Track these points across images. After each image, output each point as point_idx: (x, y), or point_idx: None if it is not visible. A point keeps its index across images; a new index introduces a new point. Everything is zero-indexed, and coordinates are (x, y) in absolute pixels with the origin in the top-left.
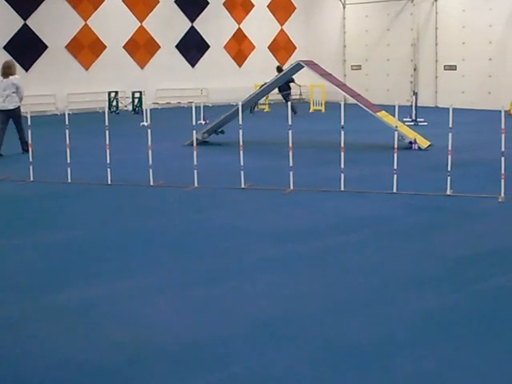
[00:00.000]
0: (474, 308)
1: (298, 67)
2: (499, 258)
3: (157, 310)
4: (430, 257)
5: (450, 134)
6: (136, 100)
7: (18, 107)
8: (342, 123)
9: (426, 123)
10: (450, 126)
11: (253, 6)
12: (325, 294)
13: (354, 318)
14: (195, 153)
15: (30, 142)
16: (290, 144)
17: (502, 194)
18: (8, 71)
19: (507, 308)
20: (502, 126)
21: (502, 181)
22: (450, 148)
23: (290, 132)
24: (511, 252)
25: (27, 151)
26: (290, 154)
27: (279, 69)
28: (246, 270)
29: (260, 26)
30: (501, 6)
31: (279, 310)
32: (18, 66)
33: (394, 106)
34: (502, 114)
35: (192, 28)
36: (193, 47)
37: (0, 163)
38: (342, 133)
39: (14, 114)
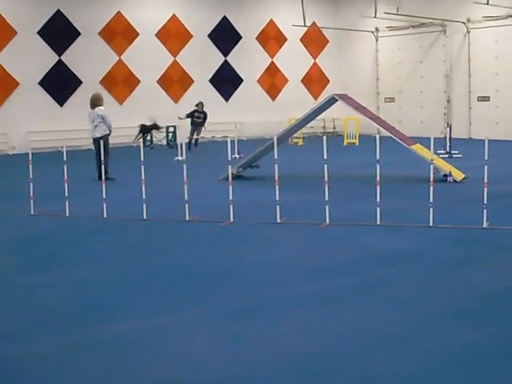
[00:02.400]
0: (508, 343)
1: (332, 101)
2: None
3: (194, 346)
4: (467, 290)
5: (486, 167)
6: (170, 134)
7: (105, 135)
8: (377, 156)
9: (460, 155)
10: (486, 158)
11: (286, 39)
12: (362, 330)
13: (393, 354)
14: (230, 187)
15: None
16: (326, 178)
17: None
18: (95, 103)
19: None
20: None
21: None
22: (485, 180)
23: (326, 166)
24: None
25: (107, 179)
26: (326, 187)
27: (198, 105)
28: (283, 304)
29: (293, 59)
30: None
31: (316, 346)
32: (53, 101)
33: (429, 139)
34: None
35: (225, 62)
36: (226, 81)
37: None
38: (378, 166)
39: (101, 142)
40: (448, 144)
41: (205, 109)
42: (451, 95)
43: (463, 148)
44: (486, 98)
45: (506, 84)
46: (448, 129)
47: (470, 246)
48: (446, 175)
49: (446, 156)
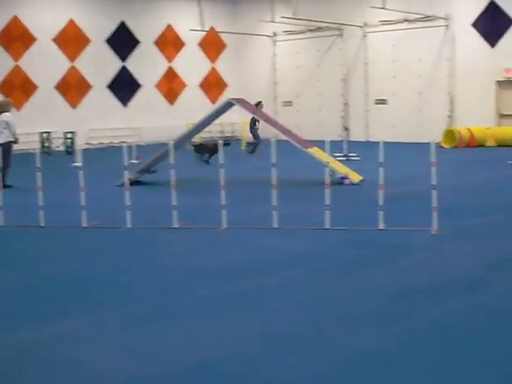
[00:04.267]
0: (407, 343)
1: (228, 105)
2: (432, 291)
3: (90, 353)
4: (364, 292)
5: (381, 169)
6: (68, 140)
7: (8, 142)
8: (273, 160)
9: (358, 158)
10: (381, 160)
11: (184, 44)
12: (262, 333)
13: (291, 356)
14: (127, 193)
15: None
16: (222, 182)
17: (435, 227)
18: (3, 109)
19: (440, 343)
20: (433, 159)
21: (434, 214)
22: (381, 182)
23: (222, 170)
24: (444, 285)
25: (4, 186)
26: (223, 192)
27: (258, 104)
28: (182, 310)
29: (191, 64)
30: (429, 41)
31: (218, 350)
32: None
33: (327, 142)
34: (433, 147)
35: (123, 67)
36: (124, 86)
37: None
38: (274, 170)
39: (3, 148)
40: (346, 147)
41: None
42: (348, 98)
43: (361, 151)
44: (383, 101)
45: (403, 87)
46: (345, 132)
47: (366, 248)
48: (343, 177)
49: (344, 159)
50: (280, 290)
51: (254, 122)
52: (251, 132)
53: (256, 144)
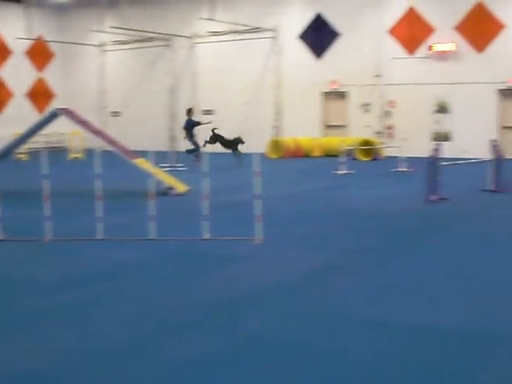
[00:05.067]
0: (229, 351)
1: (54, 115)
2: (257, 299)
3: None
4: (190, 302)
5: (206, 179)
6: None
7: None
8: (98, 171)
9: (185, 168)
10: (206, 170)
11: (10, 52)
12: (85, 346)
13: (112, 368)
14: None
15: None
16: (47, 193)
17: (259, 236)
18: None
19: (260, 350)
20: (256, 169)
21: (258, 223)
22: (205, 192)
23: (46, 181)
24: (268, 293)
25: None
26: (47, 203)
27: (189, 111)
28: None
29: (17, 73)
30: (257, 52)
31: (35, 366)
32: None
33: (153, 152)
34: (257, 157)
35: None
36: None
37: None
38: (98, 181)
39: None
40: (173, 157)
41: None
42: (176, 109)
43: (188, 161)
44: (211, 112)
45: (230, 98)
46: (171, 142)
47: (191, 258)
48: (168, 188)
49: (171, 169)
50: (103, 301)
51: (190, 129)
52: (189, 140)
53: (197, 150)
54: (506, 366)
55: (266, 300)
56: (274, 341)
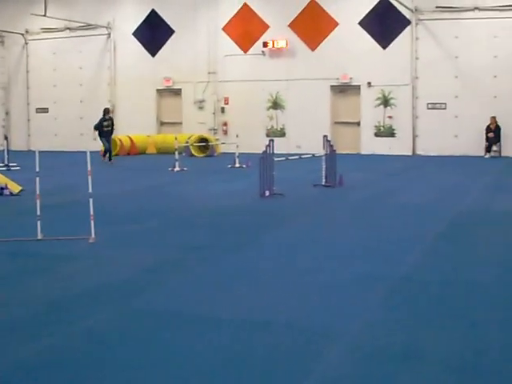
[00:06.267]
0: (63, 352)
1: None
2: (90, 299)
3: None
4: (20, 304)
5: (38, 178)
6: None
7: None
8: None
9: (18, 167)
10: (38, 169)
11: None
12: None
13: None
14: None
15: None
16: None
17: (92, 235)
18: None
19: (98, 349)
20: (89, 168)
21: (92, 222)
22: (38, 192)
23: None
24: (101, 292)
25: None
26: None
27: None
28: None
29: None
30: (91, 49)
31: None
32: None
33: None
34: (88, 155)
35: None
36: None
37: None
38: None
39: None
40: (6, 156)
41: None
42: (10, 107)
43: (22, 160)
44: (44, 110)
45: (64, 96)
46: (5, 141)
47: (24, 259)
48: (2, 188)
49: (4, 169)
50: None
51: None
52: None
53: (109, 150)
54: (336, 359)
55: (101, 299)
56: (106, 339)
